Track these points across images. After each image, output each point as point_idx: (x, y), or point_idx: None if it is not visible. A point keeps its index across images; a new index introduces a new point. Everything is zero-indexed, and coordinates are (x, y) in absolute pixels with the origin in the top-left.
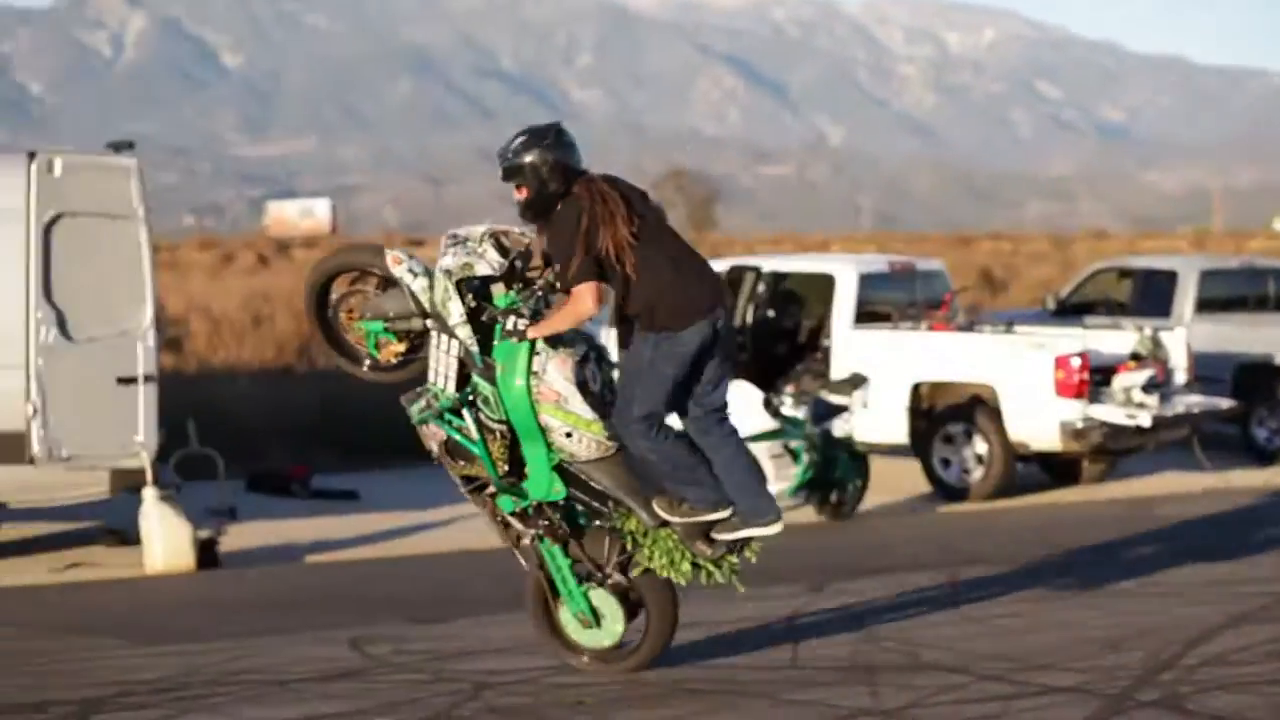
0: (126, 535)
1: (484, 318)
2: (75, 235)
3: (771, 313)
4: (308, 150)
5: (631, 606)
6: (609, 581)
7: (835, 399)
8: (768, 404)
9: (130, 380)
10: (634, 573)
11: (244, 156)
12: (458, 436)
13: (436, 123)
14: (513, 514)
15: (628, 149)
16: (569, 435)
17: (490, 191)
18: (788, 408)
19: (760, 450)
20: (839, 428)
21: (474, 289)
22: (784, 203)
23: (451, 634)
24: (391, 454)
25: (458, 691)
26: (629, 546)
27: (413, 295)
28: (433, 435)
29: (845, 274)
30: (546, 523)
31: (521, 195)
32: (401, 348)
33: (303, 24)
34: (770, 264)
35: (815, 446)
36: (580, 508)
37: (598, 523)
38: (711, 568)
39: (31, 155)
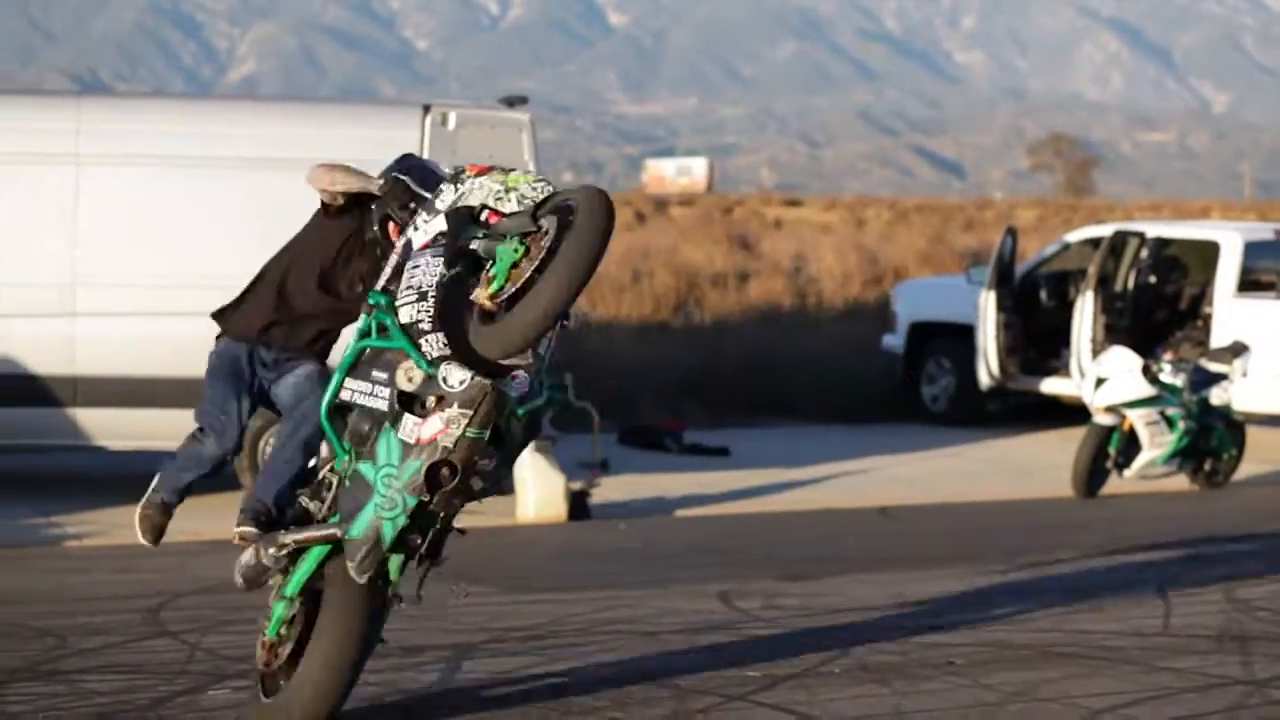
0: (501, 484)
1: None
2: None
3: (1153, 279)
4: (688, 109)
5: None
6: None
7: (1215, 367)
8: (1146, 370)
9: None
10: None
11: (625, 114)
12: None
13: (818, 84)
14: None
15: (1009, 113)
16: None
17: (864, 154)
18: (1166, 374)
19: (1136, 416)
20: (1217, 396)
21: None
22: (1163, 169)
23: (823, 590)
24: (765, 411)
25: (828, 647)
26: None
27: None
28: None
29: (1231, 241)
30: None
31: None
32: None
33: None
34: (1154, 230)
35: (1192, 414)
36: None
37: None
38: None
39: (426, 108)
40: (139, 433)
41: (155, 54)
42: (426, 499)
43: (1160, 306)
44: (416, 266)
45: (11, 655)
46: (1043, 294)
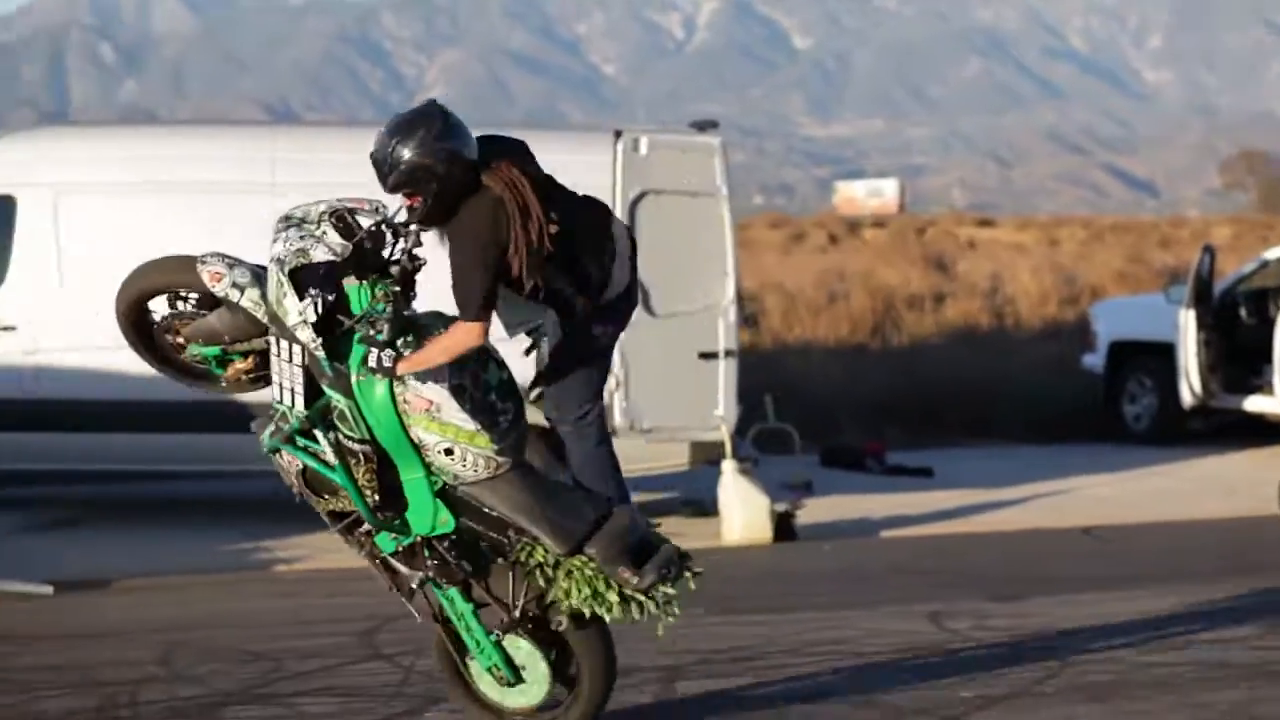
0: (705, 506)
1: (341, 330)
2: (660, 212)
3: None
4: (875, 131)
5: (558, 655)
6: (524, 627)
7: None
8: None
9: (712, 355)
10: (554, 615)
11: (812, 136)
12: (313, 464)
13: (1005, 103)
14: (394, 554)
15: (1200, 131)
16: (449, 452)
17: (1054, 173)
18: None
19: None
20: None
21: (319, 280)
22: None
23: (1031, 611)
24: (965, 431)
25: (1041, 667)
26: (541, 583)
27: (245, 312)
28: (289, 465)
29: None
30: (436, 562)
31: (414, 204)
32: (249, 365)
33: (872, 6)
34: None
35: None
36: (481, 542)
37: (500, 558)
38: (642, 599)
39: (618, 134)
40: None
41: (344, 82)
42: None
43: None
44: None
45: (227, 678)
46: (1242, 311)
